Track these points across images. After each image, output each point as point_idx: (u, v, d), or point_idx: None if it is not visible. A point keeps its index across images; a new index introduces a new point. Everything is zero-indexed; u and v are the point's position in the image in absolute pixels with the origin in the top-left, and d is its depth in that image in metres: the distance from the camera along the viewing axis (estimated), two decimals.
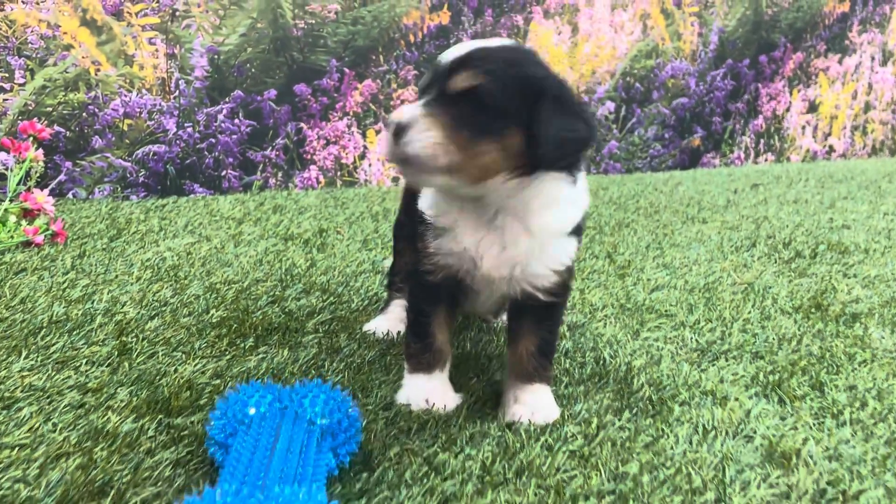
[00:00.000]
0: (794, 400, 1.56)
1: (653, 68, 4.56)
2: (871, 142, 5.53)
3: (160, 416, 1.40)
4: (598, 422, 1.43)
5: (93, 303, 1.97)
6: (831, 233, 3.05)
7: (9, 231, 2.48)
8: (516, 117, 1.30)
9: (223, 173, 3.47)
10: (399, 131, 1.28)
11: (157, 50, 3.25)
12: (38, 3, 3.01)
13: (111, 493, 1.17)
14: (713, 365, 1.74)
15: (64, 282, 2.13)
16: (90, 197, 3.22)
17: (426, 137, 1.27)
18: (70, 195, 3.18)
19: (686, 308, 2.10)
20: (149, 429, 1.36)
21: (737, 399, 1.55)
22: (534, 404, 1.47)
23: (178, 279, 2.20)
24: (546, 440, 1.37)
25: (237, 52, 3.41)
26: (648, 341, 1.87)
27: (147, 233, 2.71)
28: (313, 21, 3.55)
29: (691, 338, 1.88)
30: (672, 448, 1.36)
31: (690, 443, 1.38)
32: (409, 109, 1.31)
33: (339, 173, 3.75)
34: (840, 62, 5.28)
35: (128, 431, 1.34)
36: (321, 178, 3.72)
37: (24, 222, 2.54)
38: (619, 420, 1.45)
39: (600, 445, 1.36)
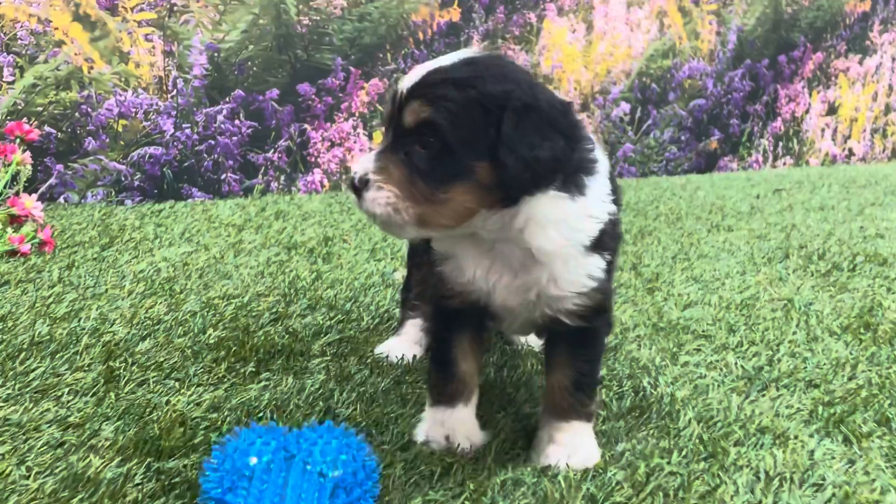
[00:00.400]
0: (861, 439, 1.39)
1: (669, 68, 4.40)
2: (892, 145, 5.36)
3: (149, 460, 1.23)
4: (646, 466, 1.26)
5: (79, 321, 1.80)
6: (865, 242, 2.88)
7: None
8: (480, 146, 1.13)
9: (223, 177, 3.30)
10: (357, 188, 1.17)
11: (153, 47, 3.08)
12: None
13: None
14: (763, 395, 1.57)
15: (49, 296, 1.97)
16: (82, 201, 3.05)
17: (382, 197, 1.14)
18: (61, 200, 3.02)
19: (725, 328, 1.93)
20: (135, 474, 1.19)
21: (797, 437, 1.38)
22: (571, 445, 1.30)
23: (173, 293, 2.03)
24: (589, 490, 1.20)
25: (238, 49, 3.24)
26: (689, 367, 1.70)
27: (141, 241, 2.55)
28: (318, 17, 3.38)
29: (736, 363, 1.72)
30: (732, 499, 1.19)
31: (752, 492, 1.22)
32: (364, 162, 1.19)
33: (344, 177, 3.58)
34: (860, 63, 5.11)
35: (112, 478, 1.18)
36: (325, 182, 3.56)
37: (10, 230, 2.37)
38: (669, 464, 1.28)
39: (651, 496, 1.19)
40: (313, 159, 3.52)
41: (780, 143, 4.95)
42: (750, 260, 2.61)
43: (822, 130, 5.08)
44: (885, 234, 3.03)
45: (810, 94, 4.98)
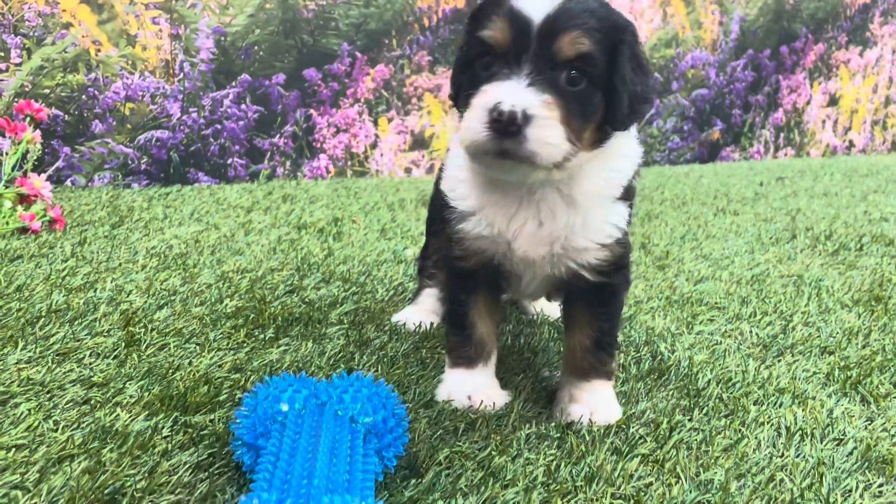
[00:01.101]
0: (879, 399, 1.40)
1: (672, 58, 4.41)
2: (892, 136, 5.38)
3: (175, 414, 1.24)
4: (668, 423, 1.27)
5: (95, 291, 1.80)
6: (871, 225, 2.90)
7: (3, 217, 2.31)
8: (603, 78, 1.12)
9: (229, 161, 3.31)
10: (512, 123, 1.05)
11: (160, 30, 3.08)
12: None
13: (123, 502, 1.00)
14: (780, 360, 1.58)
15: (63, 269, 1.97)
16: (89, 184, 3.05)
17: (554, 136, 1.07)
18: (68, 182, 3.02)
19: (738, 300, 1.95)
20: (163, 428, 1.20)
21: (816, 398, 1.40)
22: (593, 403, 1.30)
23: (186, 267, 2.03)
24: (613, 443, 1.21)
25: (245, 33, 3.24)
26: (704, 335, 1.71)
27: (151, 220, 2.55)
28: (324, 2, 3.39)
29: (751, 331, 1.73)
30: (755, 452, 1.20)
31: (775, 446, 1.23)
32: (520, 94, 1.07)
33: (349, 163, 3.59)
34: (861, 54, 5.14)
35: (140, 430, 1.18)
36: (331, 168, 3.56)
37: (20, 208, 2.37)
38: (691, 421, 1.29)
39: (675, 449, 1.20)
40: (319, 145, 3.52)
41: (782, 134, 4.97)
42: (757, 240, 2.62)
43: (823, 122, 5.10)
44: (889, 218, 3.05)
45: (811, 85, 5.00)
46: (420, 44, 3.66)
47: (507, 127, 1.05)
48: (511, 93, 1.07)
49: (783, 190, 3.71)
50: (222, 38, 3.20)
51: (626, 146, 1.23)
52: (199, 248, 2.24)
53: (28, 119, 2.44)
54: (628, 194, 1.25)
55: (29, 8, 2.84)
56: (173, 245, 2.25)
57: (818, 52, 4.97)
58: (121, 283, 1.88)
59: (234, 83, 3.26)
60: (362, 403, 1.06)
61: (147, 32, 3.05)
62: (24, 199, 2.43)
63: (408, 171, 3.74)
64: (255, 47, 3.27)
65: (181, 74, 3.14)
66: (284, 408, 1.05)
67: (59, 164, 2.98)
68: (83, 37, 2.94)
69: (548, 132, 1.06)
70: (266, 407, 1.05)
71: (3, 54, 2.83)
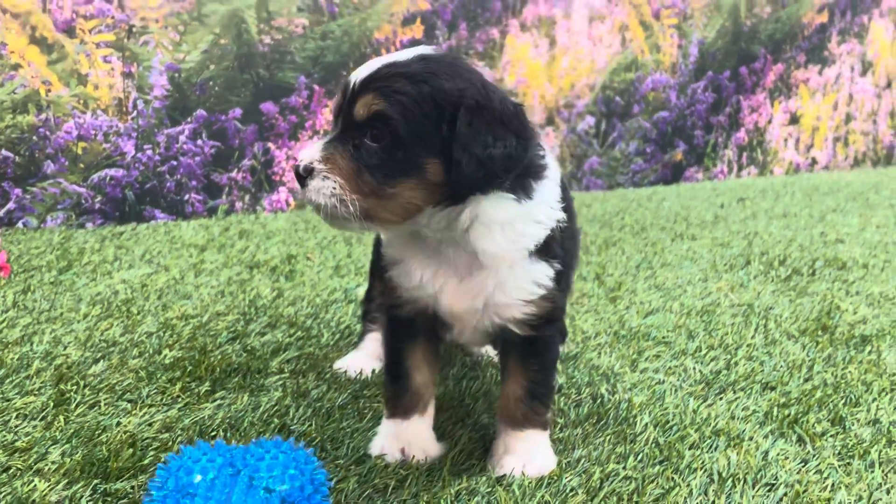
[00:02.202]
0: (815, 438, 1.40)
1: (633, 81, 4.45)
2: (853, 153, 5.46)
3: (96, 482, 1.21)
4: (601, 472, 1.26)
5: (32, 345, 1.77)
6: (826, 248, 2.92)
7: None
8: (432, 143, 1.12)
9: (186, 197, 3.28)
10: (302, 176, 1.14)
11: (112, 68, 3.06)
12: None
13: None
14: (721, 398, 1.58)
15: (2, 321, 1.93)
16: (42, 226, 3.01)
17: (327, 187, 1.12)
18: (20, 224, 2.97)
19: (685, 334, 1.94)
20: (81, 497, 1.17)
21: (752, 439, 1.39)
22: (527, 454, 1.29)
23: (129, 315, 2.00)
24: (544, 497, 1.19)
25: (199, 69, 3.23)
26: (648, 373, 1.70)
27: (100, 263, 2.51)
28: (280, 36, 3.39)
29: (694, 368, 1.72)
30: (686, 501, 1.19)
31: (706, 494, 1.22)
32: (310, 150, 1.16)
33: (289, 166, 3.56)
34: (820, 73, 5.22)
35: (56, 501, 1.15)
36: (291, 201, 3.54)
37: None
38: (624, 469, 1.28)
39: (605, 501, 1.18)
40: (278, 178, 3.50)
41: (745, 154, 5.02)
42: (712, 267, 2.63)
43: (786, 140, 5.16)
44: (844, 239, 3.07)
45: (772, 105, 5.06)
46: None
47: (301, 179, 1.14)
48: (309, 149, 1.16)
49: (743, 211, 3.73)
50: (176, 75, 3.18)
51: (532, 213, 1.21)
52: (146, 292, 2.21)
53: None
54: (549, 252, 1.24)
55: None
56: (119, 290, 2.22)
57: (777, 71, 5.04)
58: (59, 334, 1.85)
59: (189, 119, 3.24)
60: (279, 471, 1.04)
61: (99, 71, 3.03)
62: None
63: None
64: (211, 83, 3.26)
65: (135, 112, 3.12)
66: (197, 479, 1.02)
67: (10, 205, 2.93)
68: (32, 77, 2.91)
69: (323, 183, 1.12)
70: (179, 478, 1.03)
71: None
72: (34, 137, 2.95)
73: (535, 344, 1.29)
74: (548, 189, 1.24)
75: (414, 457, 1.30)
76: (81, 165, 3.05)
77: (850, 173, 5.31)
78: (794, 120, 5.19)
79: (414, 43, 3.75)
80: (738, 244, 3.00)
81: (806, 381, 1.66)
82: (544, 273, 1.23)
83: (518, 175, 1.18)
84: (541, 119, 4.20)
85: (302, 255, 2.70)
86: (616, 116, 4.44)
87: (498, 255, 1.20)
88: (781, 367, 1.74)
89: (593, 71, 4.32)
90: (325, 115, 3.56)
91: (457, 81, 1.15)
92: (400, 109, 1.11)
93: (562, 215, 1.26)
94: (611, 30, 4.34)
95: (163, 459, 1.24)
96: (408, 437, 1.33)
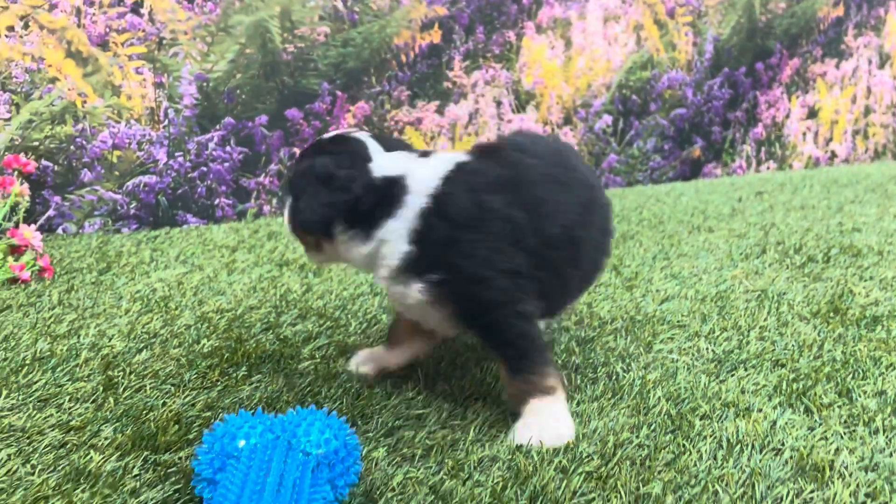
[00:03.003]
0: (822, 409, 1.46)
1: (649, 80, 4.51)
2: (874, 146, 5.46)
3: (146, 453, 1.31)
4: (615, 440, 1.34)
5: (79, 337, 1.89)
6: (842, 236, 2.96)
7: None
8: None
9: (216, 202, 3.40)
10: None
11: (144, 79, 3.20)
12: (21, 37, 2.97)
13: None
14: (732, 375, 1.64)
15: (50, 317, 2.05)
16: (80, 231, 3.15)
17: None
18: (60, 230, 3.11)
19: (699, 318, 2.01)
20: (133, 467, 1.27)
21: (761, 410, 1.46)
22: (538, 423, 1.37)
23: (168, 310, 2.11)
24: (560, 462, 1.27)
25: (226, 78, 3.36)
26: (662, 353, 1.77)
27: (138, 265, 2.63)
28: (303, 45, 3.50)
29: (707, 348, 1.79)
30: (696, 465, 1.27)
31: (715, 458, 1.29)
32: None
33: None
34: (837, 66, 5.23)
35: (111, 471, 1.25)
36: None
37: (10, 259, 2.46)
38: (637, 437, 1.36)
39: (619, 465, 1.26)
40: None
41: (763, 148, 5.05)
42: (728, 256, 2.69)
43: (804, 134, 5.18)
44: (861, 228, 3.11)
45: (790, 99, 5.09)
46: (399, 79, 3.77)
47: None
48: None
49: (761, 205, 3.78)
50: (205, 84, 3.31)
51: (378, 247, 1.47)
52: (182, 290, 2.32)
53: (16, 173, 2.53)
54: (419, 268, 1.42)
55: (16, 65, 2.96)
56: (157, 288, 2.33)
57: (794, 66, 5.06)
58: (104, 328, 1.96)
59: (218, 126, 3.36)
60: (315, 436, 1.13)
61: (131, 82, 3.16)
62: (15, 250, 2.52)
63: None
64: (238, 91, 3.38)
65: (166, 121, 3.25)
66: (241, 444, 1.12)
67: (50, 213, 3.07)
68: (69, 90, 3.05)
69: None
70: (224, 443, 1.12)
71: None
72: (72, 147, 3.09)
73: (483, 334, 1.46)
74: (394, 227, 1.43)
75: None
76: (116, 173, 3.19)
77: (871, 166, 5.31)
78: (812, 114, 5.21)
79: (432, 48, 3.85)
80: (755, 235, 3.05)
81: (816, 358, 1.72)
82: (416, 288, 1.42)
83: (353, 222, 1.45)
84: (558, 119, 4.28)
85: None
86: (633, 115, 4.50)
87: (381, 275, 1.48)
88: (792, 346, 1.80)
89: (609, 70, 4.38)
90: (348, 120, 3.67)
91: (303, 161, 1.51)
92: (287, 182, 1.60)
93: (405, 248, 1.42)
94: (625, 29, 4.41)
95: (209, 428, 1.34)
96: (373, 356, 1.67)
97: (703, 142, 4.81)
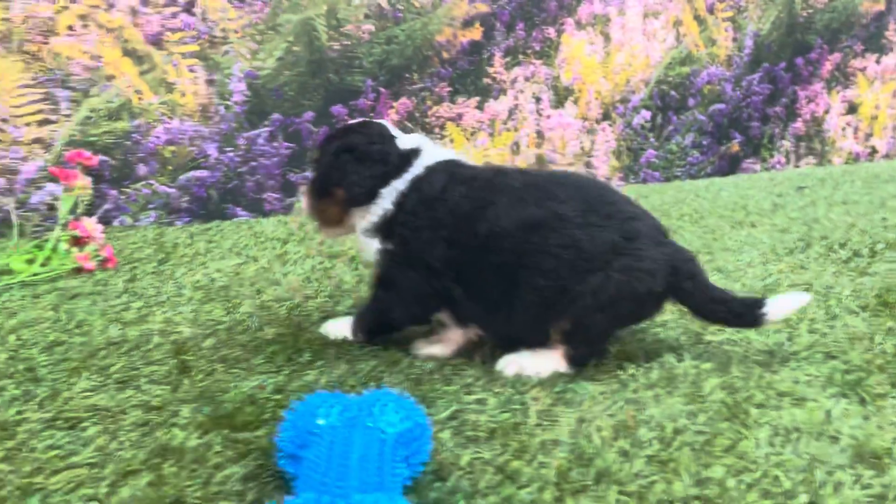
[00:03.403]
0: (876, 399, 1.49)
1: (688, 75, 4.52)
2: None
3: (225, 431, 1.38)
4: (674, 426, 1.38)
5: (148, 324, 1.97)
6: (886, 231, 2.95)
7: (61, 259, 2.51)
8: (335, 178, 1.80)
9: (265, 196, 3.49)
10: None
11: (196, 77, 3.29)
12: (80, 36, 3.07)
13: None
14: (785, 366, 1.67)
15: (118, 305, 2.14)
16: (136, 223, 3.26)
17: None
18: (116, 222, 3.22)
19: None
20: (215, 444, 1.34)
21: (815, 400, 1.49)
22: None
23: (228, 298, 2.19)
24: (622, 445, 1.32)
25: (275, 75, 3.44)
26: (713, 345, 1.81)
27: (194, 256, 2.73)
28: (348, 42, 3.58)
29: (757, 340, 1.82)
30: (754, 451, 1.31)
31: (773, 445, 1.33)
32: None
33: None
34: (878, 61, 5.18)
35: (194, 447, 1.33)
36: None
37: (75, 249, 2.56)
38: (695, 424, 1.40)
39: (678, 450, 1.31)
40: None
41: (802, 144, 5.02)
42: (772, 251, 2.71)
43: (844, 129, 5.14)
44: None
45: (830, 94, 5.05)
46: (440, 76, 3.82)
47: None
48: None
49: (802, 200, 3.77)
50: (254, 81, 3.39)
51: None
52: (240, 280, 2.40)
53: (80, 167, 2.64)
54: (381, 231, 1.77)
55: (76, 63, 3.07)
56: (216, 278, 2.42)
57: (834, 61, 5.02)
58: (170, 315, 2.05)
59: (266, 122, 3.45)
60: (389, 416, 1.19)
61: (184, 79, 3.26)
62: (78, 241, 2.62)
63: None
64: (285, 88, 3.46)
65: (217, 117, 3.34)
66: (320, 422, 1.19)
67: (108, 205, 3.18)
68: (126, 87, 3.15)
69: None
70: (305, 421, 1.19)
71: (54, 107, 3.06)
72: (128, 142, 3.20)
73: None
74: (393, 186, 1.73)
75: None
76: (170, 167, 3.29)
77: None
78: (853, 109, 5.17)
79: (473, 45, 3.90)
80: (798, 230, 3.05)
81: (867, 350, 1.75)
82: (375, 248, 1.77)
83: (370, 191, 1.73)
84: (597, 115, 4.30)
85: None
86: (672, 110, 4.51)
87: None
88: (843, 338, 1.82)
89: (648, 66, 4.40)
90: (391, 116, 3.74)
91: (335, 142, 1.80)
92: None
93: (388, 206, 1.73)
94: (665, 25, 4.42)
95: (283, 412, 1.41)
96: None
97: (742, 137, 4.80)
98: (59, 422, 1.43)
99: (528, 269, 1.62)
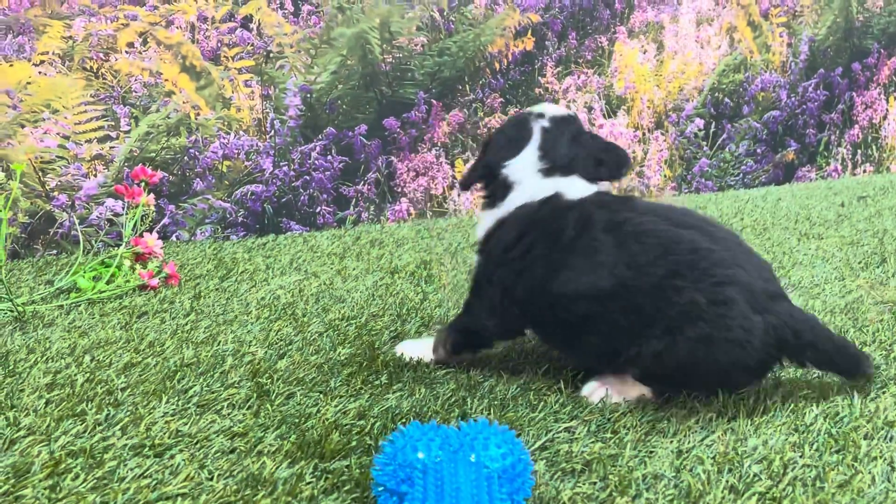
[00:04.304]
0: None
1: (742, 82, 4.42)
2: None
3: (315, 461, 1.35)
4: (780, 460, 1.32)
5: (219, 344, 1.96)
6: None
7: (125, 276, 2.51)
8: None
9: (318, 210, 3.48)
10: None
11: (252, 92, 3.30)
12: (140, 53, 3.10)
13: None
14: (884, 392, 1.60)
15: (186, 324, 2.13)
16: (192, 238, 3.26)
17: None
18: (173, 238, 3.23)
19: (834, 331, 1.96)
20: (305, 474, 1.31)
21: None
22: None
23: (296, 317, 2.18)
24: (729, 481, 1.26)
25: (328, 89, 3.43)
26: (805, 369, 1.73)
27: (255, 271, 2.72)
28: (400, 55, 3.56)
29: None
30: (871, 487, 1.24)
31: (889, 480, 1.26)
32: None
33: (428, 204, 3.72)
34: None
35: (286, 478, 1.30)
36: (412, 210, 3.70)
37: (138, 266, 2.57)
38: (802, 457, 1.33)
39: (791, 486, 1.24)
40: (399, 189, 3.67)
41: (859, 151, 4.89)
42: (846, 265, 2.62)
43: None
44: None
45: (887, 100, 4.91)
46: (492, 87, 3.79)
47: None
48: None
49: (866, 210, 3.66)
50: (308, 96, 3.39)
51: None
52: (304, 297, 2.38)
53: (143, 183, 2.65)
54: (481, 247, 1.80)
55: (135, 80, 3.09)
56: (280, 295, 2.40)
57: (892, 66, 4.89)
58: (239, 334, 2.03)
59: (320, 136, 3.44)
60: (493, 449, 1.15)
61: (241, 95, 3.27)
62: (139, 258, 2.63)
63: None
64: (339, 101, 3.45)
65: (272, 132, 3.35)
66: (420, 455, 1.15)
67: (165, 220, 3.20)
68: (184, 103, 3.17)
69: None
70: (406, 454, 1.15)
71: (113, 123, 3.08)
72: (185, 158, 3.21)
73: None
74: (490, 213, 1.77)
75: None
76: (226, 182, 3.29)
77: None
78: None
79: (525, 55, 3.86)
80: (869, 242, 2.95)
81: None
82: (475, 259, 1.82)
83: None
84: (649, 123, 4.23)
85: (435, 261, 2.84)
86: (725, 118, 4.42)
87: None
88: None
89: (701, 73, 4.31)
90: (443, 129, 3.71)
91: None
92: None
93: (496, 220, 1.75)
94: (718, 31, 4.33)
95: (369, 441, 1.38)
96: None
97: (797, 145, 4.68)
98: (146, 449, 1.41)
99: (586, 332, 1.59)
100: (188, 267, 2.79)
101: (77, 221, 2.99)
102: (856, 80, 4.80)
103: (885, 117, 4.93)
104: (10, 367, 1.81)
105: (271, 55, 3.31)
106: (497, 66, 3.80)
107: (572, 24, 3.94)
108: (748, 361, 1.45)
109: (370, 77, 3.51)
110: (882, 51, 4.85)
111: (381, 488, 1.16)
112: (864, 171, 4.92)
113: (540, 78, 3.91)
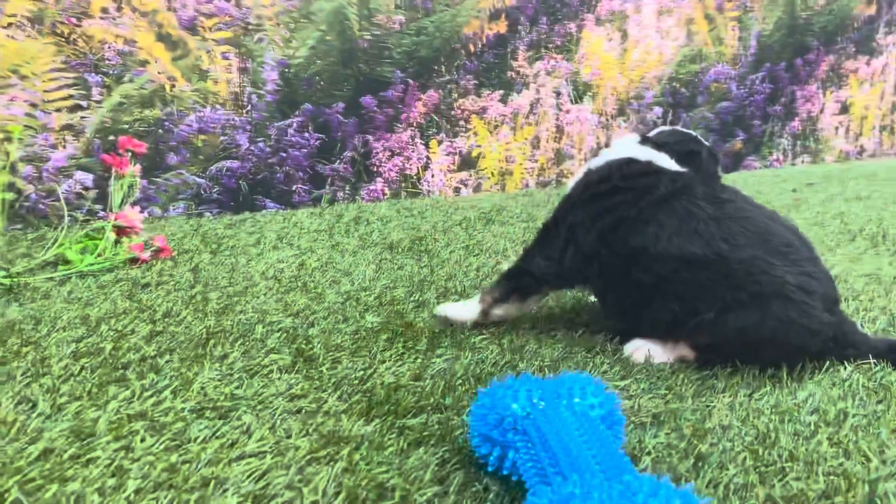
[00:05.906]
0: None
1: (697, 73, 4.60)
2: None
3: (390, 419, 1.34)
4: (835, 409, 1.40)
5: (240, 314, 1.90)
6: None
7: (111, 249, 2.40)
8: None
9: (294, 188, 3.41)
10: None
11: (230, 64, 3.19)
12: (114, 19, 2.95)
13: (396, 494, 1.10)
14: None
15: (195, 295, 2.06)
16: (165, 214, 3.14)
17: None
18: (146, 213, 3.09)
19: None
20: (386, 430, 1.30)
21: None
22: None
23: (307, 289, 2.13)
24: (792, 429, 1.32)
25: (307, 65, 3.36)
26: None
27: (244, 247, 2.64)
28: (379, 33, 3.52)
29: (861, 327, 1.86)
30: None
31: None
32: None
33: (403, 185, 3.71)
34: (868, 63, 5.36)
35: (368, 433, 1.28)
36: (386, 190, 3.67)
37: (125, 239, 2.46)
38: (852, 407, 1.41)
39: (852, 432, 1.32)
40: (375, 168, 3.63)
41: (798, 142, 5.16)
42: (822, 243, 2.77)
43: (836, 129, 5.31)
44: None
45: (824, 95, 5.21)
46: (467, 69, 3.80)
47: None
48: None
49: (818, 195, 3.87)
50: (286, 70, 3.31)
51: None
52: (307, 270, 2.34)
53: (130, 154, 2.53)
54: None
55: (109, 47, 2.94)
56: (282, 269, 2.34)
57: (829, 62, 5.18)
58: (255, 305, 1.98)
59: (297, 112, 3.37)
60: (591, 397, 1.17)
61: (218, 67, 3.16)
62: (122, 232, 2.51)
63: (456, 190, 3.86)
64: (317, 77, 3.39)
65: (249, 106, 3.25)
66: (514, 406, 1.15)
67: (138, 195, 3.06)
68: (159, 73, 3.04)
69: None
70: (507, 402, 1.15)
71: (85, 92, 2.92)
72: (159, 130, 3.08)
73: None
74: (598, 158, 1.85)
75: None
76: (201, 157, 3.18)
77: None
78: (845, 109, 5.34)
79: (499, 38, 3.89)
80: (832, 223, 3.13)
81: None
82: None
83: None
84: (612, 110, 4.34)
85: (429, 237, 2.83)
86: (681, 107, 4.58)
87: None
88: None
89: (661, 63, 4.46)
90: (419, 108, 3.69)
91: None
92: None
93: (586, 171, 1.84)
94: (677, 23, 4.48)
95: (432, 400, 1.37)
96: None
97: (744, 135, 4.90)
98: (207, 411, 1.36)
99: (660, 291, 1.63)
100: (172, 242, 2.68)
101: (61, 193, 2.82)
102: (797, 75, 5.06)
103: (821, 110, 5.23)
104: (25, 337, 1.70)
105: (250, 27, 3.21)
106: (472, 47, 3.81)
107: (543, 10, 4.00)
108: (813, 349, 1.56)
109: (348, 53, 3.45)
110: (821, 48, 5.14)
111: (478, 437, 1.16)
112: (802, 162, 5.21)
113: (512, 61, 3.95)
